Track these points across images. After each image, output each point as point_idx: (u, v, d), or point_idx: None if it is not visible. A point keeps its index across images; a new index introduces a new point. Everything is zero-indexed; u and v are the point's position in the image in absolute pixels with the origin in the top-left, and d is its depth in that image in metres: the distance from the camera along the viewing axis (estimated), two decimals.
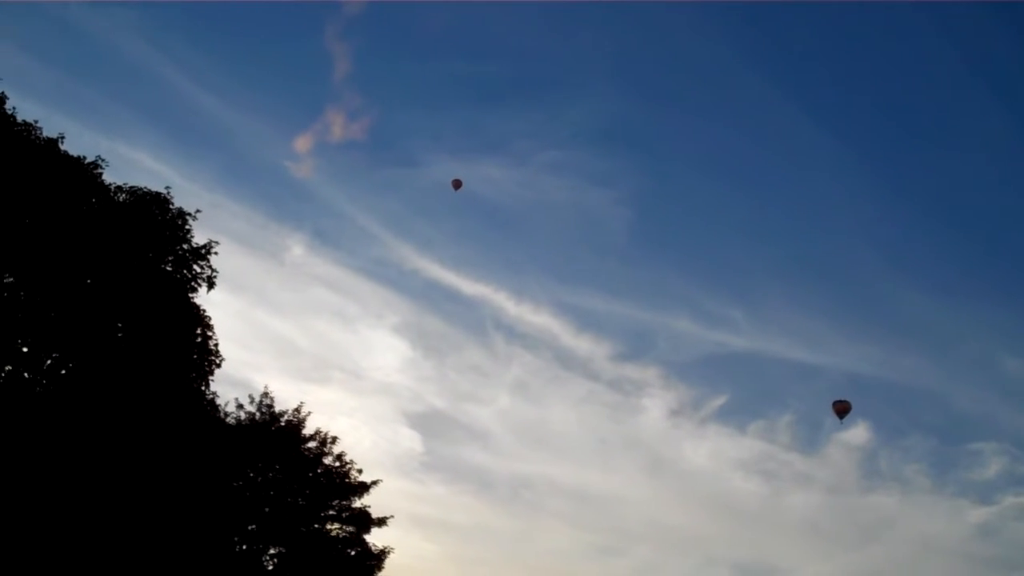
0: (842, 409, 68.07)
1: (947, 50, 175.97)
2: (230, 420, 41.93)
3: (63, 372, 32.17)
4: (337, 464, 43.91)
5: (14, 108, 30.66)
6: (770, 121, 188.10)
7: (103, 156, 32.85)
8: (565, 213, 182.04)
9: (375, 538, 44.72)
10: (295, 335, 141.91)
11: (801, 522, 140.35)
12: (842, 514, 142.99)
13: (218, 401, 39.55)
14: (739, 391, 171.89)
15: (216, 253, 35.03)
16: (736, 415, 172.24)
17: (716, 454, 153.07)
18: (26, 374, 31.47)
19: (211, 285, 35.12)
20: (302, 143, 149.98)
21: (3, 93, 30.30)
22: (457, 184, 78.80)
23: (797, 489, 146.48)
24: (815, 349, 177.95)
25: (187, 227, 34.28)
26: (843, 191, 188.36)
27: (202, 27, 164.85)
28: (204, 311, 35.38)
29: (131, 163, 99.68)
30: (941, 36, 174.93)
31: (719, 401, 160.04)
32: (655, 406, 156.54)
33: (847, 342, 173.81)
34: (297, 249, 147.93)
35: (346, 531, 43.92)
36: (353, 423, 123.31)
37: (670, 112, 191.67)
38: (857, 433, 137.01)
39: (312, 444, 43.50)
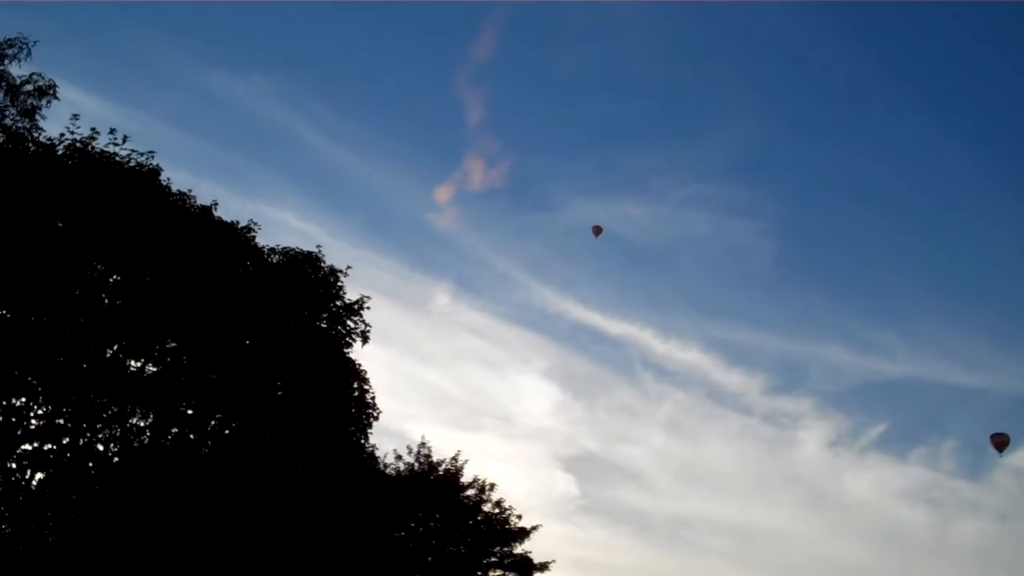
0: (1001, 442, 63.73)
1: None
2: (390, 471, 42.16)
3: (226, 432, 32.79)
4: (496, 511, 43.61)
5: (168, 179, 31.56)
6: (912, 142, 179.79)
7: (251, 219, 33.58)
8: (707, 246, 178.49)
9: None
10: (445, 384, 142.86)
11: (973, 551, 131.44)
12: (1016, 541, 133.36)
13: (377, 453, 39.75)
14: (898, 418, 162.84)
15: (369, 308, 35.20)
16: (896, 443, 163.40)
17: (878, 484, 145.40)
18: (191, 435, 32.20)
19: (365, 339, 35.27)
20: (442, 193, 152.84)
21: (158, 165, 31.23)
22: (598, 230, 77.63)
23: (965, 517, 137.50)
24: (975, 371, 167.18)
25: (339, 284, 34.58)
26: (994, 205, 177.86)
27: (335, 86, 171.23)
28: (359, 365, 35.62)
29: (277, 224, 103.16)
30: None
31: (878, 429, 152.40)
32: (812, 438, 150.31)
33: (1010, 363, 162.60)
34: (442, 298, 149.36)
35: None
36: (507, 469, 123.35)
37: (808, 139, 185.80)
38: None
39: (471, 492, 43.31)
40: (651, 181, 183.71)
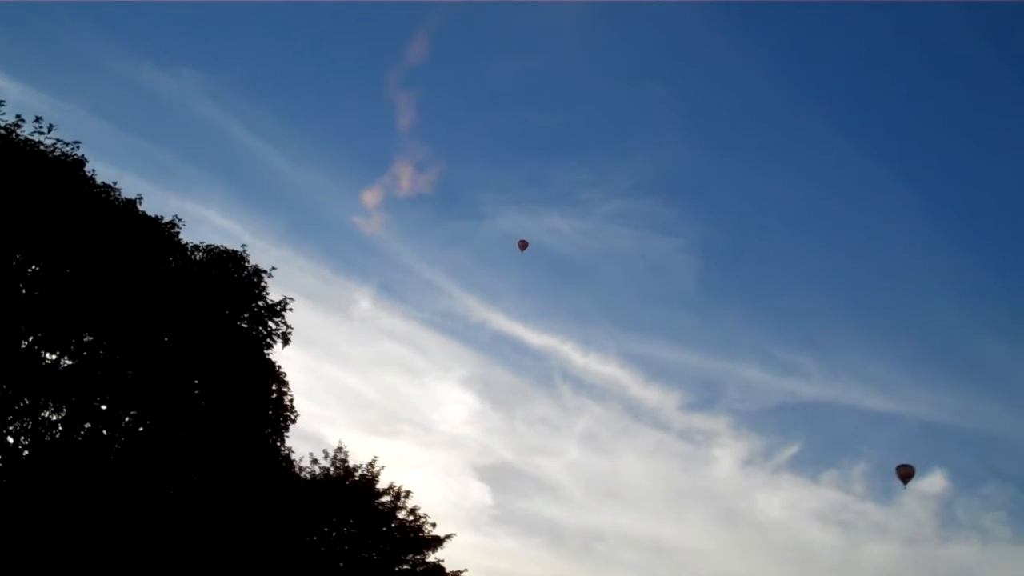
0: (906, 474, 66.19)
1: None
2: (305, 475, 41.93)
3: (141, 429, 32.42)
4: (411, 518, 43.64)
5: (93, 171, 31.26)
6: (840, 167, 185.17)
7: (175, 215, 33.39)
8: (631, 262, 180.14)
9: None
10: (364, 388, 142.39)
11: (879, 573, 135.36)
12: (921, 565, 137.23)
13: (293, 456, 39.45)
14: (811, 440, 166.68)
15: (291, 310, 35.22)
16: (809, 464, 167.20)
17: (790, 504, 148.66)
18: (105, 431, 31.77)
19: (286, 341, 35.26)
20: (370, 197, 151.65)
21: (83, 156, 30.91)
22: (523, 245, 78.59)
23: (874, 539, 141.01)
24: (889, 396, 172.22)
25: (262, 284, 34.54)
26: (918, 237, 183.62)
27: (266, 84, 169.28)
28: (279, 367, 35.53)
29: (201, 221, 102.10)
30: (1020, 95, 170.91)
31: (791, 450, 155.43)
32: (726, 456, 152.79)
33: (923, 389, 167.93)
34: (364, 303, 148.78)
35: None
36: (422, 476, 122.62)
37: (736, 159, 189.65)
38: (934, 482, 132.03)
39: (386, 498, 43.28)
40: (579, 194, 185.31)
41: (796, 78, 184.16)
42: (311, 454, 43.72)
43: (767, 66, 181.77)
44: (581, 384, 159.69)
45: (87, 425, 31.26)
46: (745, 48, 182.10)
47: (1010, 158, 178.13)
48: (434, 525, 44.15)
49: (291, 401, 35.63)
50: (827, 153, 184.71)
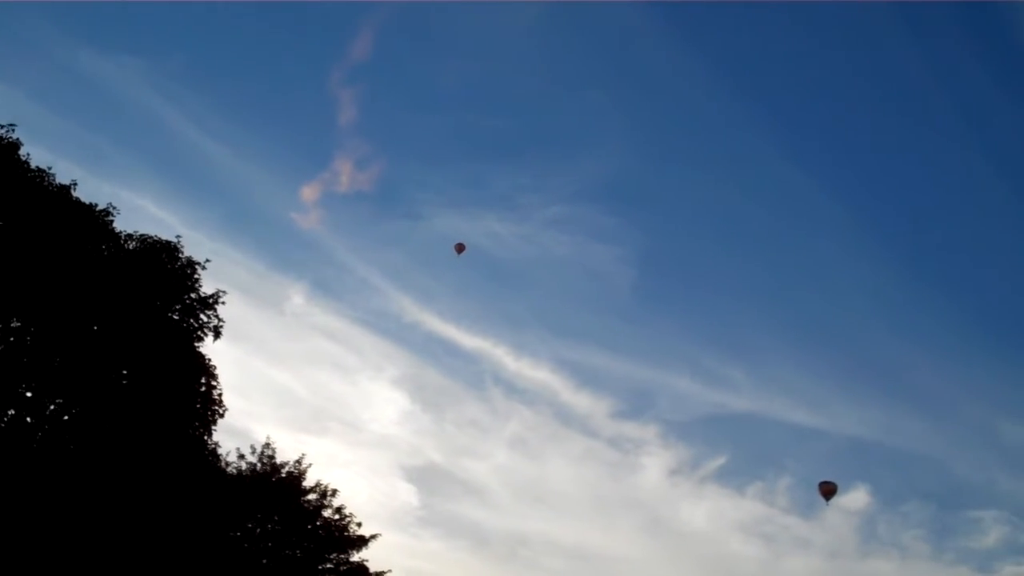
0: (828, 491, 67.21)
1: (949, 124, 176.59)
2: (231, 470, 41.68)
3: (65, 418, 32.10)
4: (336, 517, 43.52)
5: (28, 154, 30.99)
6: (778, 185, 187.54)
7: (110, 203, 33.24)
8: (567, 269, 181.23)
9: None
10: (294, 385, 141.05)
11: None
12: None
13: (220, 451, 39.33)
14: (739, 452, 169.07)
15: (224, 303, 35.19)
16: (735, 476, 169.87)
17: (715, 515, 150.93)
18: (28, 419, 31.42)
19: (217, 335, 35.22)
20: (308, 192, 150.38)
21: (18, 139, 30.64)
22: (460, 248, 78.96)
23: (796, 553, 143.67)
24: (816, 412, 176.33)
25: (196, 276, 34.44)
26: (849, 256, 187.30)
27: (207, 75, 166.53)
28: (209, 360, 35.43)
29: (136, 210, 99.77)
30: (945, 113, 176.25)
31: (718, 461, 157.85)
32: (654, 465, 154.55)
33: (849, 405, 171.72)
34: (297, 299, 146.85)
35: None
36: (350, 475, 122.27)
37: (677, 171, 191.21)
38: (857, 498, 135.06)
39: (312, 496, 43.14)
40: (519, 199, 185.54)
41: (738, 89, 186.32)
42: (238, 449, 43.35)
43: (710, 76, 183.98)
44: (512, 388, 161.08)
45: (11, 412, 30.89)
46: (689, 57, 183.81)
47: (943, 175, 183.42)
48: (360, 524, 44.12)
49: (220, 395, 35.59)
50: (766, 171, 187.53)
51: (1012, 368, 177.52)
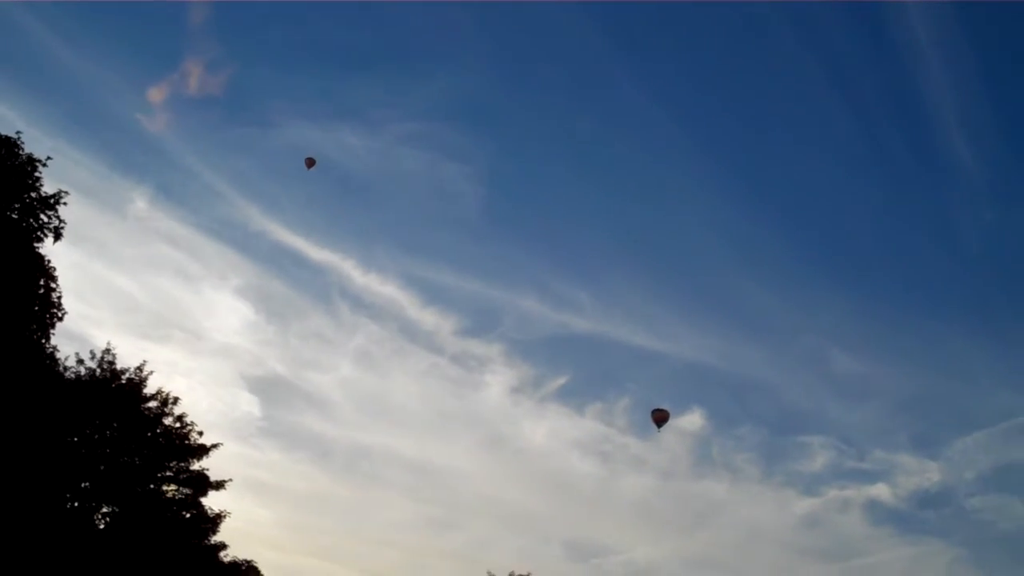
0: (660, 418, 69.29)
1: (800, 52, 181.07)
2: (69, 375, 40.92)
3: None
4: (177, 425, 43.46)
5: None
6: (628, 111, 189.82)
7: None
8: (418, 185, 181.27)
9: (212, 502, 44.72)
10: (135, 291, 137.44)
11: (634, 504, 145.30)
12: (674, 498, 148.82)
13: (58, 355, 38.56)
14: (580, 372, 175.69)
15: (66, 203, 34.33)
16: (576, 396, 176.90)
17: (554, 433, 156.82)
18: None
19: (58, 236, 34.45)
20: (156, 94, 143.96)
21: None
22: (310, 163, 78.21)
23: (631, 472, 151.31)
24: (657, 335, 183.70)
25: (36, 174, 33.45)
26: (694, 183, 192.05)
27: None
28: (49, 262, 34.69)
29: None
30: (796, 39, 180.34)
31: (560, 381, 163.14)
32: (497, 383, 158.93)
33: (690, 331, 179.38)
34: (140, 203, 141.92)
35: (183, 493, 43.62)
36: (191, 384, 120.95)
37: (529, 93, 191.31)
38: (692, 420, 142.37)
39: (153, 404, 42.88)
40: (372, 113, 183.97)
41: (598, 17, 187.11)
42: (77, 354, 42.42)
43: (567, 5, 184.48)
44: (359, 303, 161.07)
45: None
46: None
47: (783, 115, 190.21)
48: (201, 433, 44.20)
49: (59, 298, 35.06)
50: (617, 97, 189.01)
51: (845, 300, 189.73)
